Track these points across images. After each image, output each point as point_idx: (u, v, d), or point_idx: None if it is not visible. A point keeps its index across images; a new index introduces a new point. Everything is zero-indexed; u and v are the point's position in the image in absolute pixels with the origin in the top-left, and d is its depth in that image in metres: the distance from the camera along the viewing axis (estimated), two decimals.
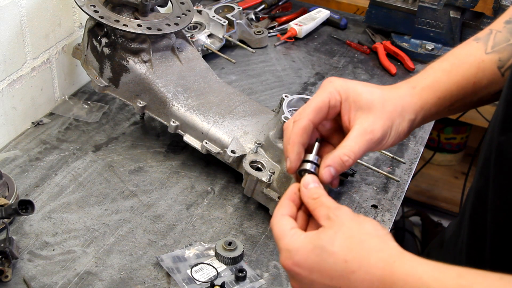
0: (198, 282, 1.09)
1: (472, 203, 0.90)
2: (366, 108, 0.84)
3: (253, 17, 1.98)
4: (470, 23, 1.85)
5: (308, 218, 0.83)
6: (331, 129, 0.90)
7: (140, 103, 1.36)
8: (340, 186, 1.36)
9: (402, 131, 0.88)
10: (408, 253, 0.70)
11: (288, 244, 0.75)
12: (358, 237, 0.71)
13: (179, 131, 1.35)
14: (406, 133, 0.89)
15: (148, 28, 1.33)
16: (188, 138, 1.34)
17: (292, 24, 1.95)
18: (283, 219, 0.79)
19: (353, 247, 0.70)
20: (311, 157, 0.85)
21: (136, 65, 1.35)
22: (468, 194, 0.95)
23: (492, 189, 0.81)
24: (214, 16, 1.76)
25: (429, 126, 1.60)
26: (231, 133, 1.29)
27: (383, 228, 0.74)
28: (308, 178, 0.82)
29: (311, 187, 0.81)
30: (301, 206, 0.83)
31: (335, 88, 0.85)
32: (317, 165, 0.85)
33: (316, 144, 0.87)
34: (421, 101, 0.89)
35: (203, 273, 1.11)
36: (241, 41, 1.83)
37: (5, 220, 1.12)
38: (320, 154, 0.86)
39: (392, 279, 0.67)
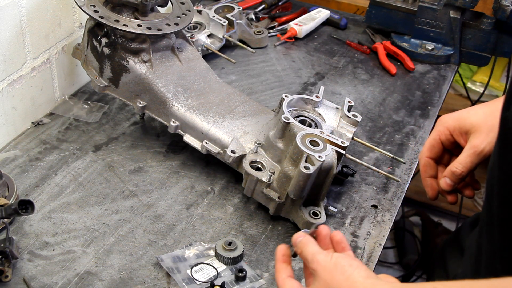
0: (198, 282, 1.09)
1: (488, 181, 0.94)
2: (472, 130, 1.01)
3: (253, 17, 1.98)
4: (470, 23, 1.85)
5: None
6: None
7: (140, 103, 1.36)
8: (340, 186, 1.36)
9: None
10: (372, 284, 0.80)
11: None
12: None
13: (179, 131, 1.35)
14: None
15: (148, 28, 1.33)
16: (188, 138, 1.34)
17: (292, 24, 1.94)
18: (289, 281, 0.89)
19: None
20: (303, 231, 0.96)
21: (136, 65, 1.35)
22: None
23: (497, 164, 0.84)
24: (214, 16, 1.76)
25: (429, 126, 1.60)
26: (231, 133, 1.29)
27: (350, 265, 0.83)
28: (297, 235, 0.93)
29: (299, 240, 0.92)
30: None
31: (443, 125, 1.05)
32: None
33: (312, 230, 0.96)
34: None
35: (203, 273, 1.11)
36: (241, 41, 1.83)
37: (5, 220, 1.12)
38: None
39: None
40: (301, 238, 0.92)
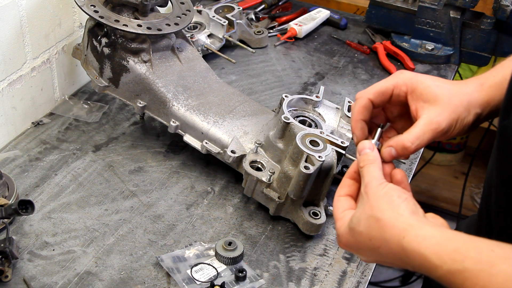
0: (198, 282, 1.09)
1: (485, 190, 0.93)
2: (432, 101, 0.89)
3: (253, 17, 1.98)
4: (470, 23, 1.85)
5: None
6: (397, 115, 0.96)
7: (140, 103, 1.36)
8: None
9: (467, 124, 0.91)
10: (417, 222, 0.76)
11: (337, 229, 0.86)
12: (375, 215, 0.78)
13: (179, 131, 1.35)
14: (471, 126, 0.92)
15: (148, 28, 1.33)
16: (188, 138, 1.34)
17: (292, 24, 1.95)
18: (338, 202, 0.89)
19: (372, 226, 0.78)
20: (372, 141, 0.91)
21: (136, 65, 1.35)
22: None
23: (495, 173, 0.84)
24: (214, 16, 1.76)
25: None
26: (231, 133, 1.29)
27: (399, 196, 0.79)
28: (364, 143, 0.88)
29: (365, 152, 0.88)
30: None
31: (403, 79, 0.92)
32: (378, 150, 0.90)
33: (379, 130, 0.93)
34: (488, 97, 0.91)
35: (203, 273, 1.11)
36: (241, 41, 1.83)
37: (5, 220, 1.12)
38: (381, 140, 0.93)
39: (406, 254, 0.74)
40: (368, 151, 0.87)
